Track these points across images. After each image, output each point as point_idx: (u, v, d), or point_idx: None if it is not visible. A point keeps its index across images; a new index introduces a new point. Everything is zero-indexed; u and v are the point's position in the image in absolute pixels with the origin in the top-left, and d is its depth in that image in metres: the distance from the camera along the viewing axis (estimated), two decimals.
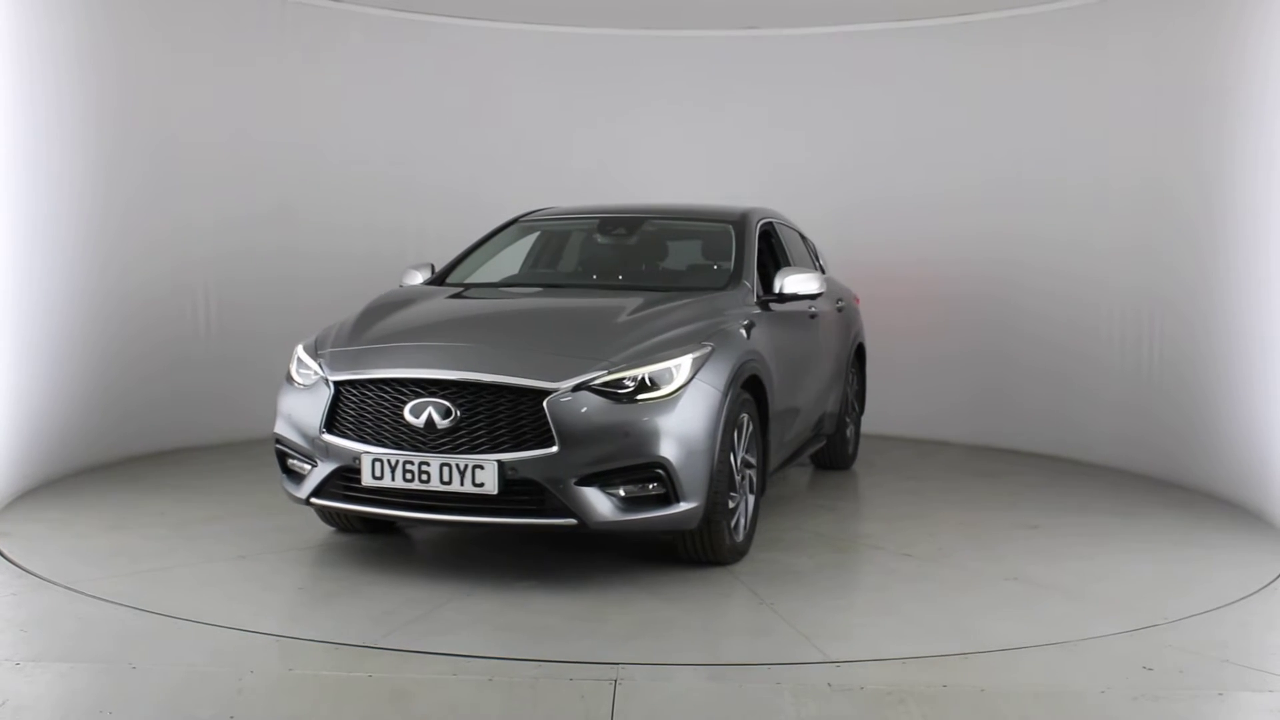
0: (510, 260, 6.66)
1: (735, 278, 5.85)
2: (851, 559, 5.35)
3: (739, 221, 6.31)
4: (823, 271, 7.72)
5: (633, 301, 5.35)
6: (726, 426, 4.90)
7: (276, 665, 3.82)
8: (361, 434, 4.77)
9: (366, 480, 4.70)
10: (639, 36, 9.22)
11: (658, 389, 4.73)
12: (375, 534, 5.55)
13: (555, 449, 4.54)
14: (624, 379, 4.71)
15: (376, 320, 5.31)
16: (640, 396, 4.70)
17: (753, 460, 5.33)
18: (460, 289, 5.93)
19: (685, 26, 9.18)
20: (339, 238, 8.60)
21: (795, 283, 5.93)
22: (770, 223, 6.73)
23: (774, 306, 5.95)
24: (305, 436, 4.92)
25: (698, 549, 5.04)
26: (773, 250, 6.66)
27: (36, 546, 5.26)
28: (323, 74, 8.56)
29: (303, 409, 4.97)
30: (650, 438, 4.64)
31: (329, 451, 4.82)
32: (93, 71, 6.99)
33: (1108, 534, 5.94)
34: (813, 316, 6.57)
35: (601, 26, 9.10)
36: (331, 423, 4.85)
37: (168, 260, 7.64)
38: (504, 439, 4.59)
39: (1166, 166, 7.39)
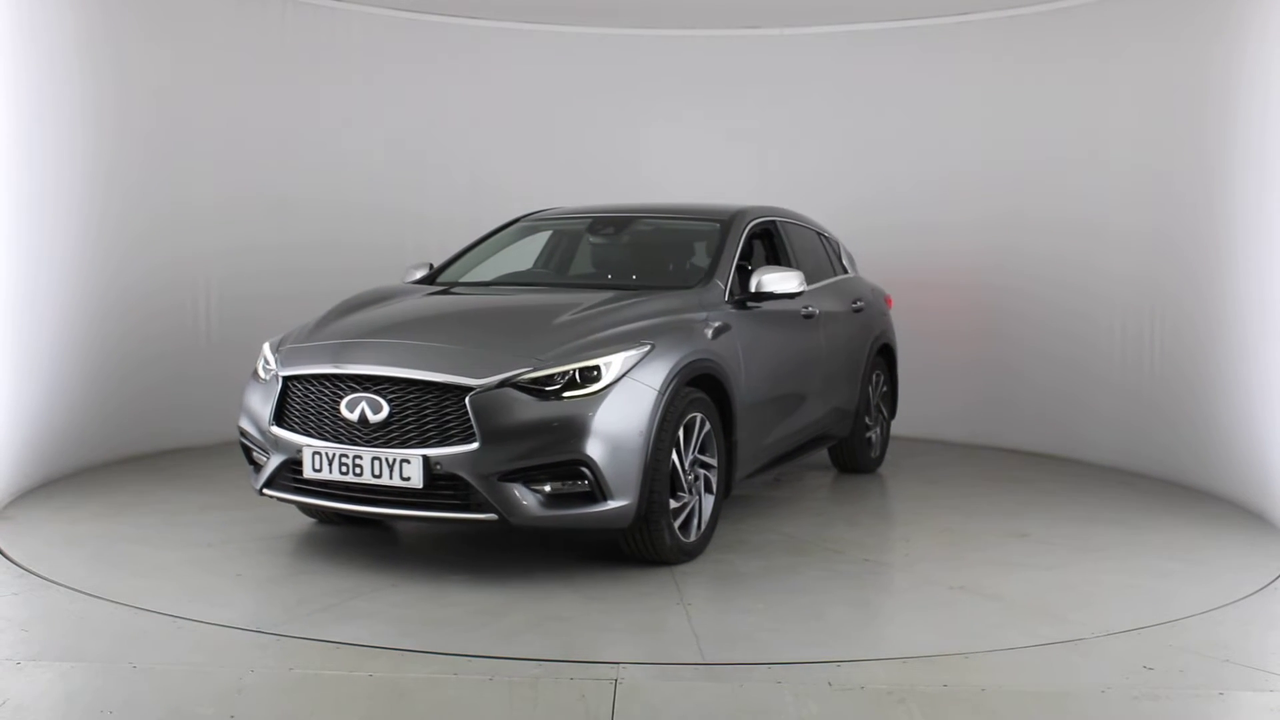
0: (513, 259, 6.74)
1: (707, 276, 5.81)
2: (805, 562, 5.22)
3: (727, 221, 6.24)
4: (846, 271, 7.58)
5: (590, 299, 5.37)
6: (664, 425, 4.87)
7: (277, 665, 3.82)
8: (305, 427, 4.93)
9: (308, 472, 4.86)
10: (640, 36, 9.18)
11: (585, 386, 4.74)
12: (354, 526, 5.68)
13: (476, 445, 4.61)
14: (553, 375, 4.74)
15: (337, 318, 5.46)
16: (567, 394, 4.72)
17: (710, 460, 5.28)
18: (442, 288, 6.03)
19: (685, 26, 9.12)
20: (340, 255, 8.53)
21: (772, 281, 5.84)
22: (772, 222, 6.64)
23: (755, 305, 5.88)
24: (259, 430, 5.11)
25: (637, 548, 5.03)
26: (774, 249, 6.58)
27: (32, 530, 5.57)
28: (325, 78, 8.57)
29: (258, 403, 5.17)
30: (574, 434, 4.66)
31: (277, 444, 5.00)
32: (98, 82, 7.08)
33: (1096, 545, 5.67)
34: (807, 316, 6.44)
35: (602, 26, 9.09)
36: (280, 416, 5.03)
37: (173, 275, 7.78)
38: (431, 434, 4.68)
39: (1168, 168, 7.23)
